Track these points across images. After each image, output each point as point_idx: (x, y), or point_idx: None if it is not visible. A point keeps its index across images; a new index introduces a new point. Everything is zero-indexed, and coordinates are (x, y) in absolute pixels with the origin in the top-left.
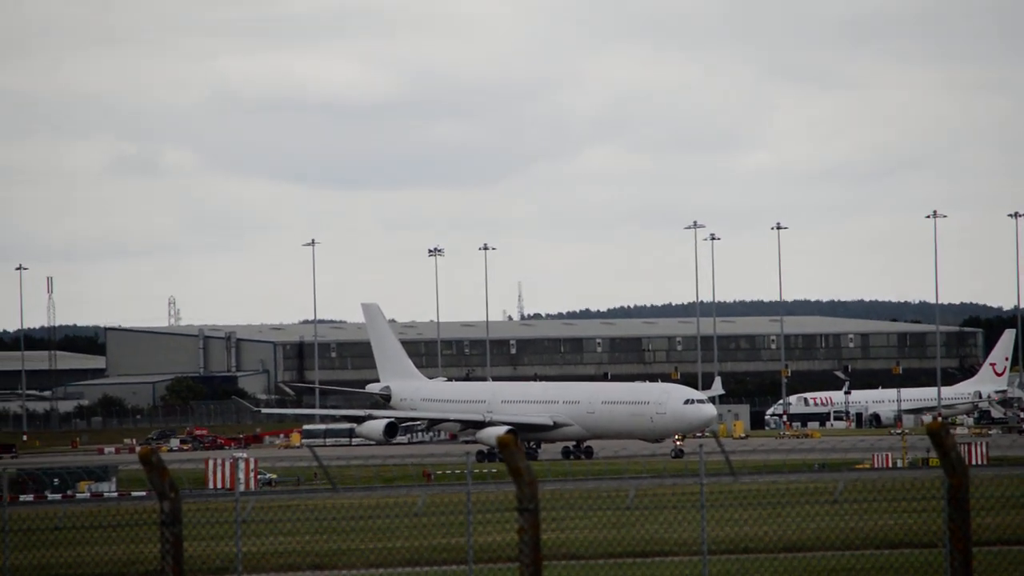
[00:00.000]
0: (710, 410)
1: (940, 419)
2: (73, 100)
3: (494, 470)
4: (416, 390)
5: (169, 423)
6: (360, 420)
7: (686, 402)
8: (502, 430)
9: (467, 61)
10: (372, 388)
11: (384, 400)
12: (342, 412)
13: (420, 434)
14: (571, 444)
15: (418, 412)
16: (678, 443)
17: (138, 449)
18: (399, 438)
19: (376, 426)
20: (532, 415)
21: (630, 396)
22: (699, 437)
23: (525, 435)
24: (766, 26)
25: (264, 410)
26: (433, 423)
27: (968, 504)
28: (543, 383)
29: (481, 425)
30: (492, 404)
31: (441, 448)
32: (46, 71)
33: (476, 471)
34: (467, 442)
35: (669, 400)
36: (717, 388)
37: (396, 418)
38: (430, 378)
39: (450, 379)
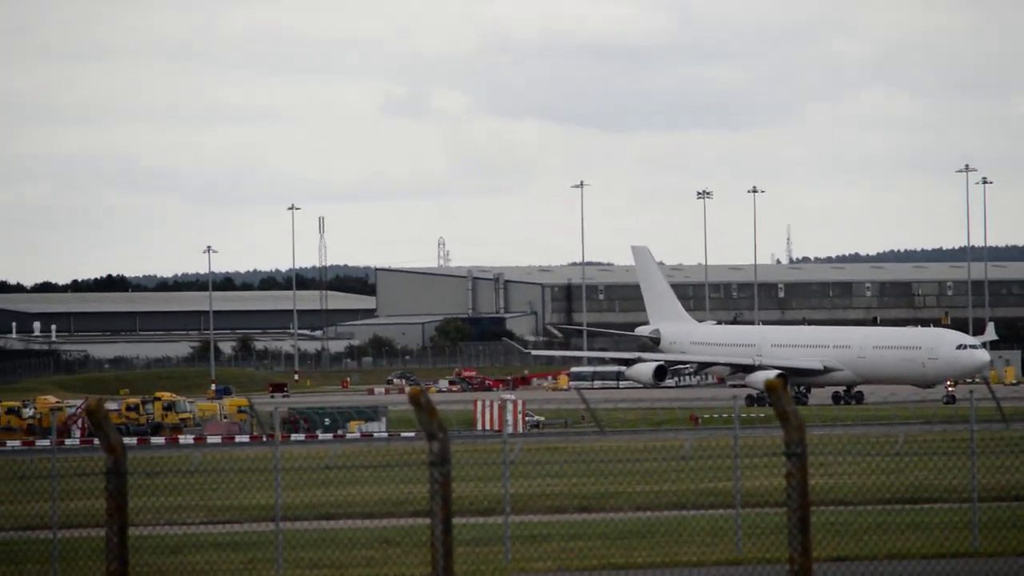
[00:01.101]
0: (983, 356)
1: None
2: (344, 42)
3: (762, 415)
4: (685, 333)
5: (438, 364)
6: (629, 363)
7: (958, 347)
8: (772, 374)
9: (738, 4)
10: (641, 331)
11: (653, 343)
12: (611, 355)
13: (688, 377)
14: (841, 389)
15: (687, 355)
16: (950, 389)
17: (408, 389)
18: (667, 381)
19: (645, 369)
20: (802, 359)
21: (901, 341)
22: (970, 383)
23: (795, 380)
24: None
25: (533, 352)
26: (702, 366)
27: None
28: (813, 327)
29: (751, 369)
30: (761, 348)
31: (708, 392)
32: (318, 12)
33: (744, 415)
34: (734, 386)
35: (941, 345)
36: (990, 333)
37: (665, 361)
38: (699, 321)
39: (719, 322)
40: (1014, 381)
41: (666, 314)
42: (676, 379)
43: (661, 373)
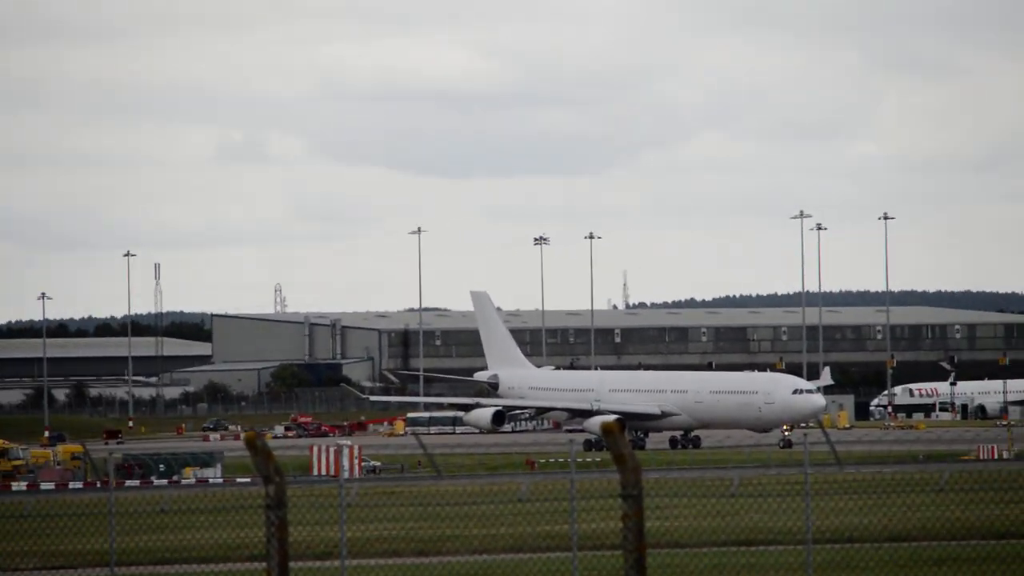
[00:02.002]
0: (819, 400)
1: None
2: (180, 88)
3: (598, 459)
4: (524, 379)
5: (274, 410)
6: (468, 408)
7: (795, 392)
8: (610, 419)
9: (573, 50)
10: (480, 376)
11: (492, 388)
12: (449, 400)
13: (524, 423)
14: (678, 434)
15: (526, 401)
16: (786, 433)
17: (243, 435)
18: (505, 427)
19: (484, 414)
20: (640, 404)
21: (738, 386)
22: (804, 427)
23: (632, 424)
24: (873, 15)
25: (372, 397)
26: (541, 411)
27: None
28: (651, 372)
29: (589, 414)
30: (600, 393)
31: (545, 437)
32: (152, 58)
33: (581, 460)
34: (571, 431)
35: (777, 390)
36: (826, 378)
37: (504, 406)
38: (537, 367)
39: (557, 367)
40: (847, 425)
41: (505, 359)
42: (512, 424)
43: (499, 418)
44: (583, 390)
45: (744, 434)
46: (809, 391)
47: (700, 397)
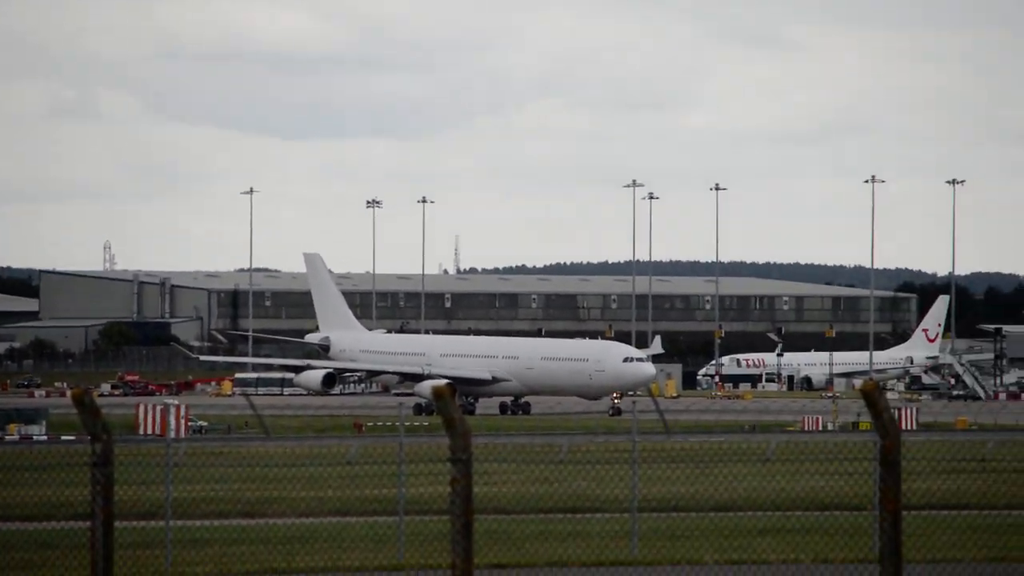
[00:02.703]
0: (649, 369)
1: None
2: (14, 43)
3: (427, 423)
4: (355, 341)
5: (100, 368)
6: (299, 370)
7: (625, 360)
8: (441, 383)
9: (409, 14)
10: (311, 338)
11: (323, 350)
12: (280, 361)
13: (352, 385)
14: (509, 400)
15: (357, 364)
16: (616, 401)
17: (69, 391)
18: (334, 389)
19: (314, 376)
20: (471, 369)
21: (569, 353)
22: (633, 396)
23: (463, 389)
24: None
25: (201, 357)
26: (372, 375)
27: (899, 467)
28: (483, 337)
29: (420, 378)
30: (431, 357)
31: (374, 400)
32: None
33: (410, 424)
34: (399, 394)
35: (608, 358)
36: (656, 347)
37: (335, 368)
38: (368, 330)
39: (389, 331)
40: (675, 394)
41: (337, 322)
42: (341, 387)
43: (330, 380)
44: (415, 354)
45: (574, 401)
46: (639, 359)
47: (531, 363)
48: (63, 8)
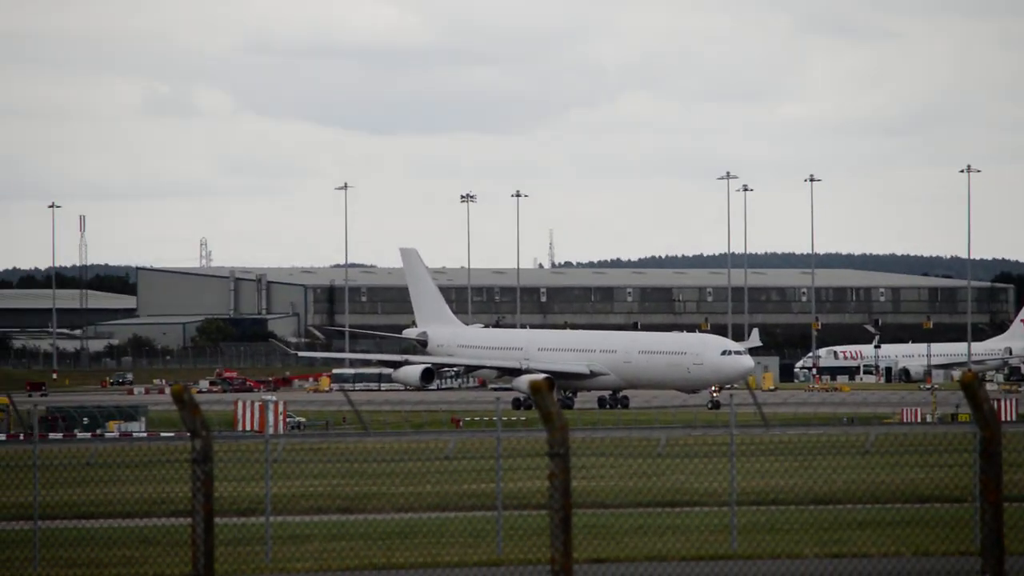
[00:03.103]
0: (747, 362)
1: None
2: (108, 40)
3: (525, 417)
4: (453, 336)
5: (198, 364)
6: (397, 365)
7: (723, 353)
8: (538, 377)
9: (502, 8)
10: (409, 333)
11: (421, 345)
12: (379, 357)
13: (450, 380)
14: (607, 394)
15: (455, 358)
16: (715, 395)
17: (168, 389)
18: (433, 384)
19: (413, 371)
20: (569, 363)
21: (667, 346)
22: (730, 389)
23: (562, 383)
24: None
25: (300, 352)
26: (470, 369)
27: (1000, 458)
28: (580, 331)
29: (517, 372)
30: (529, 352)
31: (472, 395)
32: (80, 9)
33: (508, 418)
34: (496, 389)
35: (706, 351)
36: (754, 340)
37: (433, 363)
38: (464, 324)
39: (486, 325)
40: (772, 387)
41: (434, 316)
42: (439, 382)
43: (428, 375)
44: (512, 348)
45: (673, 395)
46: (738, 352)
47: (629, 357)
48: (157, 4)
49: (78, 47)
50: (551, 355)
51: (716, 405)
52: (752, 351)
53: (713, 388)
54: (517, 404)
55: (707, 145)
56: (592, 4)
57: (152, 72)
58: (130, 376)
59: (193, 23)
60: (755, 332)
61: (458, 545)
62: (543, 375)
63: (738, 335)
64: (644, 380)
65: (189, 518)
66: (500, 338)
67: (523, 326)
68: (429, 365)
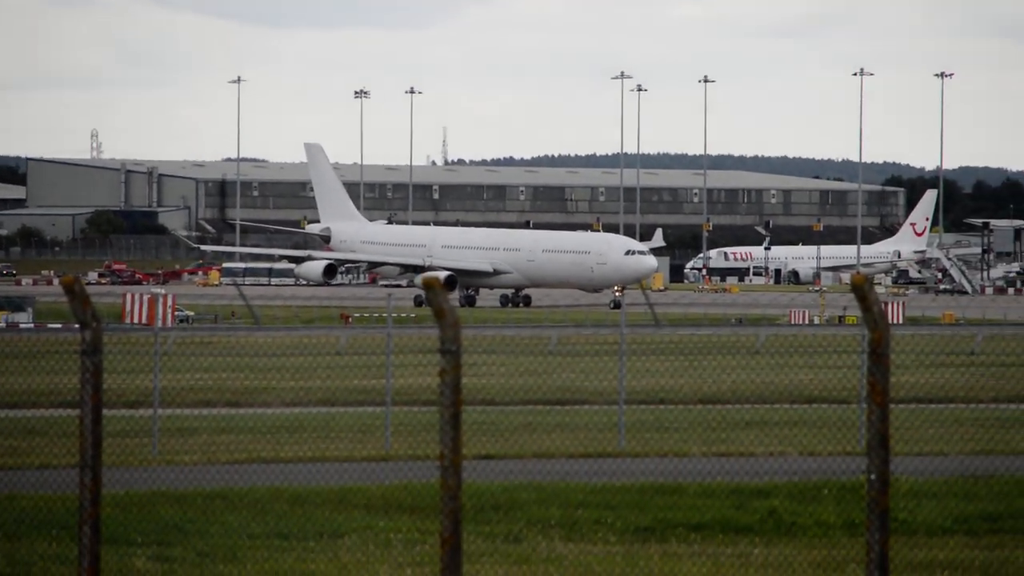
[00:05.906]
0: (651, 262)
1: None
2: None
3: (414, 315)
4: (356, 232)
5: (88, 256)
6: (300, 260)
7: (627, 253)
8: (442, 275)
9: None
10: (312, 228)
11: (324, 241)
12: (281, 252)
13: (342, 276)
14: (510, 292)
15: (357, 255)
16: (618, 294)
17: (57, 280)
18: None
19: (315, 267)
20: (472, 261)
21: (571, 245)
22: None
23: (465, 281)
24: None
25: (203, 247)
26: (373, 266)
27: (888, 360)
28: (484, 229)
29: (421, 269)
30: (432, 249)
31: (363, 291)
32: None
33: (400, 316)
34: (387, 286)
35: (610, 251)
36: (658, 240)
37: (336, 259)
38: (369, 221)
39: (390, 221)
40: (662, 287)
41: (338, 213)
42: (349, 278)
43: (331, 271)
44: (416, 245)
45: (578, 294)
46: (641, 252)
47: (533, 256)
48: None
49: None
50: (454, 253)
51: (618, 305)
52: (655, 251)
53: (616, 288)
54: (419, 302)
55: (602, 45)
56: None
57: None
58: (14, 269)
59: None
60: (658, 232)
61: (346, 440)
62: (446, 272)
63: (630, 234)
64: (547, 279)
65: (76, 410)
66: (403, 235)
67: (416, 223)
68: (332, 261)
